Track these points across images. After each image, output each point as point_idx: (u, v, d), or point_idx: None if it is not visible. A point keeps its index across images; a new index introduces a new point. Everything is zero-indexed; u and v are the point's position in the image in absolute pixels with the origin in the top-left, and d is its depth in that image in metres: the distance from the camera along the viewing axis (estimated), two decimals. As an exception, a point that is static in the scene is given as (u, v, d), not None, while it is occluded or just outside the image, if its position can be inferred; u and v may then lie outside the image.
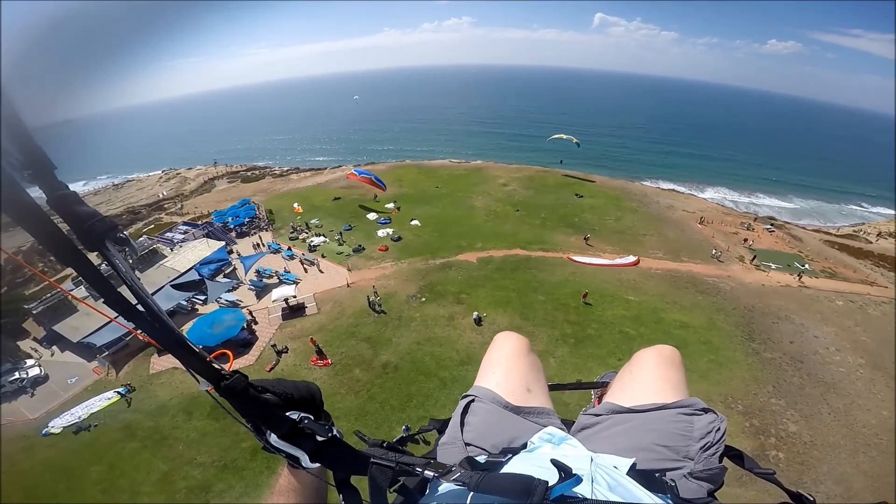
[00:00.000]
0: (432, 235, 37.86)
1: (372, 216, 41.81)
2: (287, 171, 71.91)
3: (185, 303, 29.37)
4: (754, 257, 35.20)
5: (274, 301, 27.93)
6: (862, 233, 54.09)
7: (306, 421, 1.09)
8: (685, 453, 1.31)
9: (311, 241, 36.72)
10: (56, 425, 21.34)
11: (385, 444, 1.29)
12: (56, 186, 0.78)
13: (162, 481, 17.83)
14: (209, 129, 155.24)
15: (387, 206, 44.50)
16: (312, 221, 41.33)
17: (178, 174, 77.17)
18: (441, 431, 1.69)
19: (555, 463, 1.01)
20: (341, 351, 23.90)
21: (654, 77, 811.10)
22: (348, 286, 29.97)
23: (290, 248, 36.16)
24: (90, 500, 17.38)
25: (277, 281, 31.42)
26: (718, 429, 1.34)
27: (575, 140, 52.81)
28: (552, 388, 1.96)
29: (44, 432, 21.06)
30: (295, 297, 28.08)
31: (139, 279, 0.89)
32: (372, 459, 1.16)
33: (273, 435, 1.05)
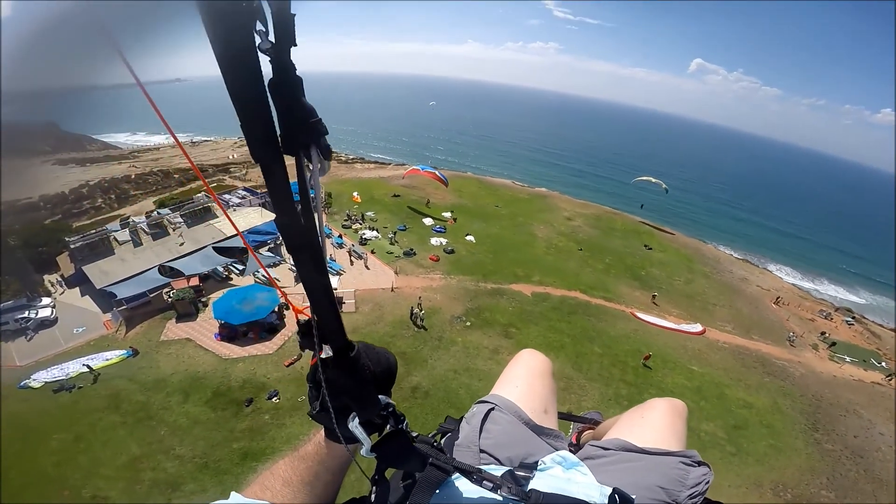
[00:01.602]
0: (487, 256, 35.58)
1: (428, 221, 40.14)
2: (352, 159, 72.34)
3: (220, 269, 28.34)
4: (832, 344, 33.13)
5: (313, 289, 26.39)
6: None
7: (391, 408, 0.99)
8: (675, 497, 1.35)
9: (364, 234, 35.38)
10: (38, 378, 19.32)
11: (435, 444, 1.15)
12: (286, 66, 0.63)
13: (127, 467, 15.83)
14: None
15: (443, 214, 42.72)
16: (368, 214, 40.20)
17: (251, 142, 79.53)
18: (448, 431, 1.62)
19: (617, 492, 1.06)
20: (372, 361, 21.94)
21: (745, 133, 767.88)
22: (392, 290, 28.17)
23: (341, 236, 34.98)
24: (39, 471, 15.25)
25: (321, 267, 30.07)
26: (707, 481, 1.42)
27: (664, 186, 49.40)
28: None
29: (21, 384, 19.07)
30: (336, 289, 26.56)
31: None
32: (431, 461, 1.07)
33: (356, 419, 0.93)
